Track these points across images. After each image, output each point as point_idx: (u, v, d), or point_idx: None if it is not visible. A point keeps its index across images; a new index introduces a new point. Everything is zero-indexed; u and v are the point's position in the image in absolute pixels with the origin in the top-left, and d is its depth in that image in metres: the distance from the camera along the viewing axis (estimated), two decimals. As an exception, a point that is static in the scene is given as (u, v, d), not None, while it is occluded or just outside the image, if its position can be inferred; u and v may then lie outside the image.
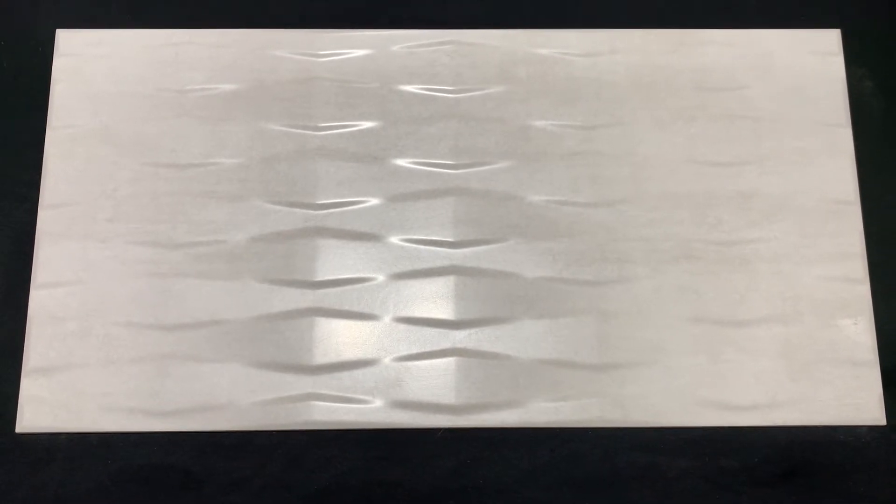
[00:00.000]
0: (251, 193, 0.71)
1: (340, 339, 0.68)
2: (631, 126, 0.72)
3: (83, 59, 0.74)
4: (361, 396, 0.67)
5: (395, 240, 0.70)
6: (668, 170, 0.71)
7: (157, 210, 0.70)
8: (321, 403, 0.66)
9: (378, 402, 0.67)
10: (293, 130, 0.72)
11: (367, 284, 0.69)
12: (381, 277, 0.69)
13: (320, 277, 0.69)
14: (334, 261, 0.69)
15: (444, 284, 0.69)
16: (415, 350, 0.68)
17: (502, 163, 0.71)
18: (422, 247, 0.70)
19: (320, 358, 0.67)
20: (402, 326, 0.68)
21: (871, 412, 0.67)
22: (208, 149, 0.71)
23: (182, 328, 0.68)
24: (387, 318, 0.68)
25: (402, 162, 0.71)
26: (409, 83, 0.73)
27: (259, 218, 0.70)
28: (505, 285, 0.69)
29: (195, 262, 0.69)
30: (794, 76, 0.74)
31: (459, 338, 0.68)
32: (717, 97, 0.73)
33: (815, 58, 0.74)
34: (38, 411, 0.66)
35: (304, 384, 0.67)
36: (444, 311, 0.68)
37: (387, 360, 0.67)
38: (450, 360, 0.67)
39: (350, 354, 0.68)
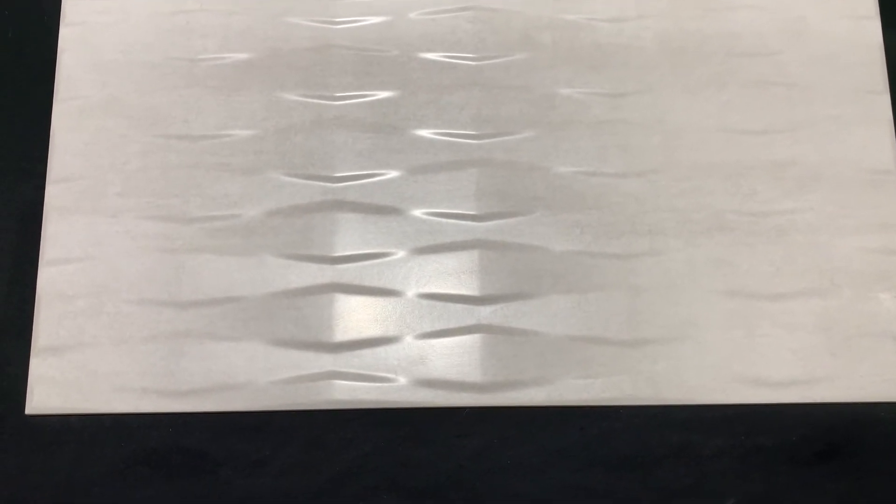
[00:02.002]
0: (266, 165, 0.68)
1: (361, 315, 0.65)
2: (660, 94, 0.70)
3: (90, 27, 0.71)
4: (384, 374, 0.64)
5: (416, 213, 0.67)
6: (700, 138, 0.69)
7: (169, 183, 0.67)
8: (342, 382, 0.64)
9: (401, 381, 0.64)
10: (309, 100, 0.69)
11: (388, 259, 0.66)
12: (402, 252, 0.66)
13: (339, 252, 0.66)
14: (354, 235, 0.67)
15: (467, 259, 0.66)
16: (438, 326, 0.65)
17: (527, 132, 0.69)
18: (444, 220, 0.67)
19: (340, 335, 0.65)
20: (425, 302, 0.65)
21: (913, 388, 0.64)
22: (221, 119, 0.69)
23: (196, 305, 0.65)
24: (409, 294, 0.66)
25: (422, 132, 0.69)
26: (430, 51, 0.70)
27: (275, 191, 0.67)
28: (531, 259, 0.66)
29: (209, 236, 0.66)
30: (828, 41, 0.71)
31: (484, 314, 0.65)
32: (748, 63, 0.70)
33: (849, 22, 0.71)
34: (48, 392, 0.64)
35: (325, 362, 0.64)
36: (469, 287, 0.66)
37: (409, 338, 0.65)
38: (475, 337, 0.65)
39: (371, 331, 0.65)
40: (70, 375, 0.64)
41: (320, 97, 0.69)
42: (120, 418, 0.64)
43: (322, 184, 0.68)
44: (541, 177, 0.68)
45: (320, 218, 0.67)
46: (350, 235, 0.67)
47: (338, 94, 0.70)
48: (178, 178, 0.68)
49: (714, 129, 0.69)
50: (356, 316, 0.65)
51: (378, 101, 0.69)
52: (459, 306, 0.65)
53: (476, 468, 0.63)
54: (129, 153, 0.68)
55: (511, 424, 0.64)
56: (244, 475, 0.63)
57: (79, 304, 0.65)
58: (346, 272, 0.66)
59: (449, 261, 0.66)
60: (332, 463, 0.63)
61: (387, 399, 0.64)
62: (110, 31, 0.71)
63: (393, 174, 0.68)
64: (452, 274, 0.66)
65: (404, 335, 0.65)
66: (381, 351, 0.65)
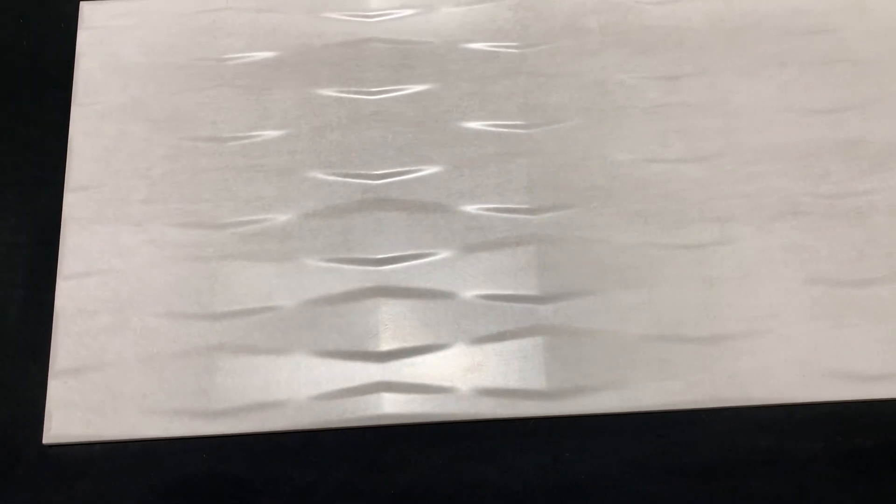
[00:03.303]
0: (302, 165, 0.63)
1: (410, 321, 0.60)
2: (717, 75, 0.65)
3: (110, 31, 0.67)
4: (438, 384, 0.58)
5: (464, 208, 0.62)
6: (763, 119, 0.64)
7: (198, 188, 0.63)
8: (393, 395, 0.58)
9: (458, 391, 0.58)
10: (345, 96, 0.65)
11: (436, 259, 0.61)
12: (451, 251, 0.61)
13: (384, 254, 0.61)
14: (399, 235, 0.62)
15: (524, 255, 0.61)
16: (495, 329, 0.59)
17: (578, 119, 0.64)
18: (495, 214, 0.62)
19: (389, 343, 0.59)
20: (480, 303, 0.60)
21: None
22: (252, 120, 0.64)
23: (231, 316, 0.59)
24: (461, 296, 0.60)
25: (466, 124, 0.64)
26: (469, 41, 0.67)
27: (312, 191, 0.63)
28: (593, 253, 0.61)
29: (243, 242, 0.61)
30: (891, 16, 0.67)
31: (546, 314, 0.60)
32: (808, 41, 0.67)
33: (910, -5, 0.68)
34: (68, 418, 0.57)
35: (373, 373, 0.58)
36: (526, 285, 0.60)
37: (464, 343, 0.59)
38: (536, 340, 0.59)
39: (422, 338, 0.59)
40: (92, 399, 0.58)
41: (356, 92, 0.65)
42: (148, 445, 0.57)
43: (362, 181, 0.63)
44: (597, 165, 0.63)
45: (361, 218, 0.62)
46: (395, 235, 0.62)
47: (374, 89, 0.65)
48: (207, 181, 0.63)
49: (778, 109, 0.65)
50: (405, 322, 0.60)
51: (417, 93, 0.65)
52: (517, 306, 0.60)
53: (546, 485, 0.57)
54: (153, 158, 0.63)
55: (583, 435, 0.58)
56: (287, 503, 0.56)
57: (101, 320, 0.59)
58: (392, 275, 0.61)
59: (503, 258, 0.61)
60: (385, 485, 0.57)
61: (443, 412, 0.58)
62: (131, 33, 0.67)
63: (437, 169, 0.63)
64: (508, 272, 0.61)
65: (458, 340, 0.59)
66: (433, 359, 0.59)
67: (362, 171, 0.63)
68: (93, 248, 0.61)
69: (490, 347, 0.59)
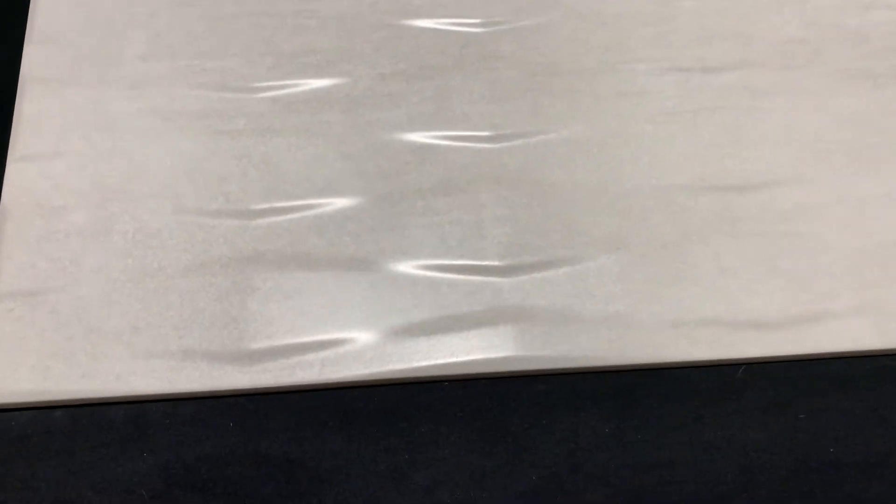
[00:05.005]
0: (372, 9, 0.44)
1: (533, 217, 0.40)
2: None
3: None
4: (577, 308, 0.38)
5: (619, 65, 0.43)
6: None
7: (222, 39, 0.43)
8: (527, 326, 0.37)
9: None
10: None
11: (570, 135, 0.42)
12: (594, 124, 0.42)
13: (494, 129, 0.42)
14: (515, 101, 0.42)
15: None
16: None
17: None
18: (657, 75, 0.43)
19: (507, 253, 0.39)
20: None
21: None
22: (298, -50, 0.45)
23: (273, 214, 0.39)
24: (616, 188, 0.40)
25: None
26: None
27: (389, 44, 0.43)
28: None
29: (289, 112, 0.41)
30: None
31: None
32: None
33: None
34: (15, 367, 0.36)
35: (497, 294, 0.38)
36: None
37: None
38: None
39: (551, 248, 0.39)
40: (55, 339, 0.36)
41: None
42: (141, 409, 0.36)
43: (462, 29, 0.44)
44: None
45: (461, 79, 0.43)
46: (510, 102, 0.42)
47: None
48: (235, 31, 0.43)
49: None
50: (524, 218, 0.40)
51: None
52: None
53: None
54: (156, 1, 0.44)
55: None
56: (340, 487, 0.35)
57: (73, 219, 0.39)
58: (508, 156, 0.41)
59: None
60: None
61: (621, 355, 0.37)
62: None
63: (560, 13, 0.44)
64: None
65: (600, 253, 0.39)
66: (575, 271, 0.39)
67: (461, 19, 0.44)
68: (63, 120, 0.41)
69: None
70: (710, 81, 0.43)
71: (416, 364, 0.36)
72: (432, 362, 0.36)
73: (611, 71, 0.43)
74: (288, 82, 0.42)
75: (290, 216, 0.39)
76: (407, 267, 0.38)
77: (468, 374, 0.37)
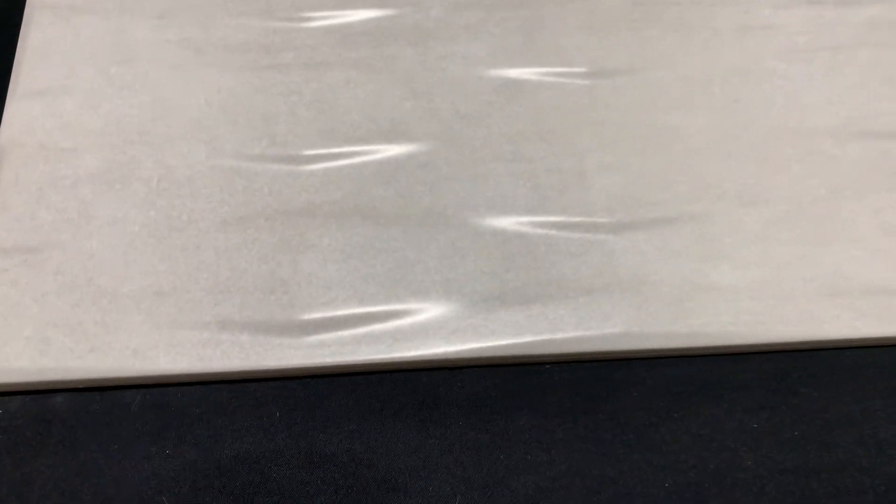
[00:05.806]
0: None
1: (649, 168, 0.33)
2: None
3: None
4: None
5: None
6: None
7: (266, -38, 0.37)
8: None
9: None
10: None
11: (687, 74, 0.35)
12: (713, 66, 0.35)
13: (597, 64, 0.35)
14: (618, 34, 0.35)
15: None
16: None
17: None
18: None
19: (617, 209, 0.32)
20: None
21: None
22: None
23: (330, 160, 0.32)
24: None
25: None
26: None
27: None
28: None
29: (344, 44, 0.35)
30: None
31: None
32: None
33: None
34: (8, 342, 0.29)
35: (608, 250, 0.31)
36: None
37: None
38: None
39: (665, 205, 0.32)
40: (58, 304, 0.29)
41: None
42: (163, 394, 0.29)
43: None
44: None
45: (553, 7, 0.36)
46: (609, 36, 0.35)
47: None
48: (282, -48, 0.37)
49: None
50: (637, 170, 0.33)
51: None
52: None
53: None
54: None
55: None
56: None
57: (82, 163, 0.32)
58: (613, 93, 0.34)
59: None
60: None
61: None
62: None
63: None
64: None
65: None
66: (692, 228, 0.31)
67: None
68: (75, 51, 0.34)
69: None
70: (847, 16, 0.36)
71: (508, 341, 0.29)
72: (529, 339, 0.29)
73: (729, 2, 0.37)
74: (344, 11, 0.36)
75: (349, 161, 0.32)
76: (494, 222, 0.31)
77: (576, 354, 0.29)
